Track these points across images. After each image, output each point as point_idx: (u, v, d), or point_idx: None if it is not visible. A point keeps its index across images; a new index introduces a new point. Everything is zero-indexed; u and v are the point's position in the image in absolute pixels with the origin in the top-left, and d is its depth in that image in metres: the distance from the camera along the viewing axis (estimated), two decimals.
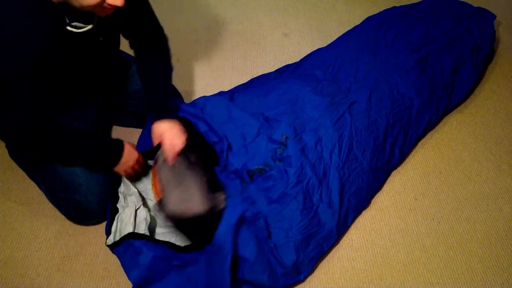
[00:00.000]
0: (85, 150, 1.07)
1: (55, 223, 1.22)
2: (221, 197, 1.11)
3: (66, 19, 0.93)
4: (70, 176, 1.11)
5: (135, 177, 1.19)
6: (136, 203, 1.15)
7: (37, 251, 1.17)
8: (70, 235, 1.20)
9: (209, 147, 1.19)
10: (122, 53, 1.35)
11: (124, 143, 1.12)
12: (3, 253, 1.16)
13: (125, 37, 1.21)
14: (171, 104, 1.20)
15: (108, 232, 1.09)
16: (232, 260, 0.99)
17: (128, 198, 1.16)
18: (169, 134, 1.10)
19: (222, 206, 1.09)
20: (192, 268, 1.03)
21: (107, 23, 1.04)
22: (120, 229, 1.10)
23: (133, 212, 1.13)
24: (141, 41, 1.21)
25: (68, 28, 0.93)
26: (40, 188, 1.24)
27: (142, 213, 1.15)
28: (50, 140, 1.01)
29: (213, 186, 1.14)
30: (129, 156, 1.11)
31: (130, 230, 1.09)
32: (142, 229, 1.12)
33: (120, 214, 1.13)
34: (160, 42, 1.23)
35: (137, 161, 1.14)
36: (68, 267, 1.14)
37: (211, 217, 1.07)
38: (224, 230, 1.00)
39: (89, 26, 0.96)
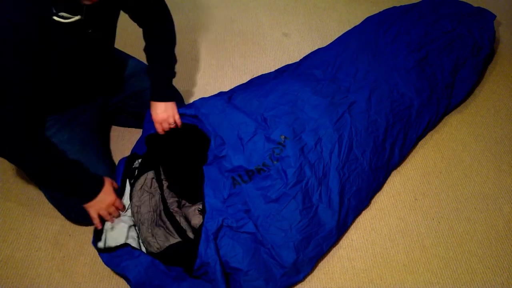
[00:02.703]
0: (60, 177, 1.02)
1: (55, 223, 1.22)
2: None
3: (53, 9, 0.89)
4: None
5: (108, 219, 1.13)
6: (129, 221, 1.16)
7: (37, 251, 1.17)
8: (70, 235, 1.20)
9: (201, 138, 1.21)
10: (120, 52, 1.34)
11: (106, 181, 1.10)
12: (3, 253, 1.16)
13: (132, 18, 1.20)
14: (170, 88, 1.26)
15: (96, 237, 1.09)
16: (222, 267, 1.00)
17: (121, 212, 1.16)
18: (161, 117, 1.19)
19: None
20: (190, 281, 1.03)
21: (97, 15, 1.01)
22: (109, 238, 1.10)
23: (126, 227, 1.13)
24: (145, 17, 1.20)
25: (55, 18, 0.90)
26: (40, 189, 1.24)
27: (133, 233, 1.15)
28: (23, 156, 0.97)
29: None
30: (105, 197, 1.08)
31: (122, 241, 1.10)
32: (134, 245, 1.11)
33: (112, 225, 1.12)
34: (162, 14, 1.22)
35: (113, 204, 1.10)
36: (68, 267, 1.14)
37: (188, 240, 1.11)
38: (204, 244, 1.01)
39: (77, 17, 0.93)
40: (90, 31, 1.01)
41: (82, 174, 1.07)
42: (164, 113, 1.20)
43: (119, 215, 1.14)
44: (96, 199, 1.07)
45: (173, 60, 1.27)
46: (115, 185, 1.16)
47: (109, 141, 1.43)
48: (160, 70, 1.24)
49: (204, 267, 1.01)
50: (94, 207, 1.08)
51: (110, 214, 1.11)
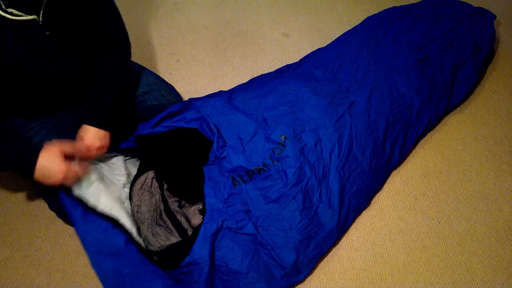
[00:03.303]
0: None
1: (55, 223, 1.22)
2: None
3: (1, 4, 0.84)
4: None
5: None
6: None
7: (37, 251, 1.17)
8: (70, 235, 1.20)
9: (201, 139, 1.19)
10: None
11: (45, 149, 0.95)
12: (3, 253, 1.16)
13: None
14: (110, 115, 1.10)
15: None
16: (209, 272, 0.98)
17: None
18: (92, 143, 1.05)
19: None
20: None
21: (60, 17, 0.94)
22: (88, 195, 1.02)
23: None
24: (99, 41, 1.10)
25: (1, 13, 0.84)
26: (38, 193, 1.23)
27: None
28: None
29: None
30: (48, 165, 0.94)
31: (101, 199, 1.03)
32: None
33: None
34: (119, 44, 1.14)
35: (64, 171, 0.96)
36: (68, 267, 1.14)
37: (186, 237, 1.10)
38: (200, 243, 1.00)
39: (31, 16, 0.88)
40: (47, 33, 0.94)
41: (10, 147, 0.96)
42: (96, 140, 1.04)
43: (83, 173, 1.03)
44: (38, 170, 0.93)
45: (123, 84, 1.14)
46: (65, 148, 0.99)
47: None
48: (105, 88, 1.10)
49: (191, 266, 0.99)
50: (43, 178, 0.95)
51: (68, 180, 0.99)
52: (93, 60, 1.17)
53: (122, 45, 1.16)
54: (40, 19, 0.91)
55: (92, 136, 1.06)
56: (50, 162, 0.95)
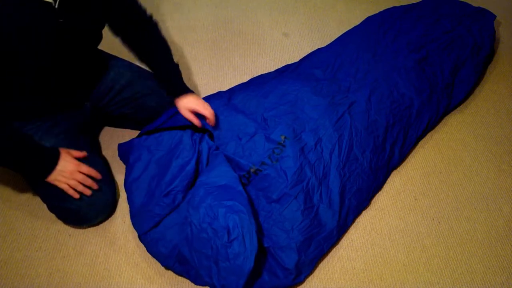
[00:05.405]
0: (10, 150, 0.98)
1: (55, 223, 1.22)
2: None
3: None
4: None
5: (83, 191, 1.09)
6: None
7: (37, 251, 1.17)
8: (70, 235, 1.20)
9: None
10: (110, 56, 1.30)
11: (61, 150, 1.06)
12: (3, 253, 1.16)
13: (112, 29, 1.18)
14: (183, 81, 1.24)
15: None
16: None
17: None
18: (200, 104, 1.18)
19: None
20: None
21: (75, 9, 0.95)
22: None
23: None
24: (130, 28, 1.18)
25: None
26: (37, 193, 1.23)
27: None
28: None
29: None
30: (65, 164, 1.04)
31: None
32: None
33: None
34: (148, 25, 1.22)
35: (77, 171, 1.06)
36: (68, 267, 1.14)
37: None
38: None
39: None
40: (61, 20, 0.94)
41: (35, 145, 1.03)
42: (198, 99, 1.19)
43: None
44: (56, 169, 1.03)
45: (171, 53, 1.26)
46: (77, 153, 1.11)
47: (99, 142, 1.41)
48: (171, 65, 1.23)
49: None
50: (58, 179, 1.04)
51: (80, 182, 1.07)
52: (93, 58, 1.20)
53: (151, 23, 1.22)
54: (56, 6, 0.91)
55: (198, 99, 1.20)
56: (66, 162, 1.04)
